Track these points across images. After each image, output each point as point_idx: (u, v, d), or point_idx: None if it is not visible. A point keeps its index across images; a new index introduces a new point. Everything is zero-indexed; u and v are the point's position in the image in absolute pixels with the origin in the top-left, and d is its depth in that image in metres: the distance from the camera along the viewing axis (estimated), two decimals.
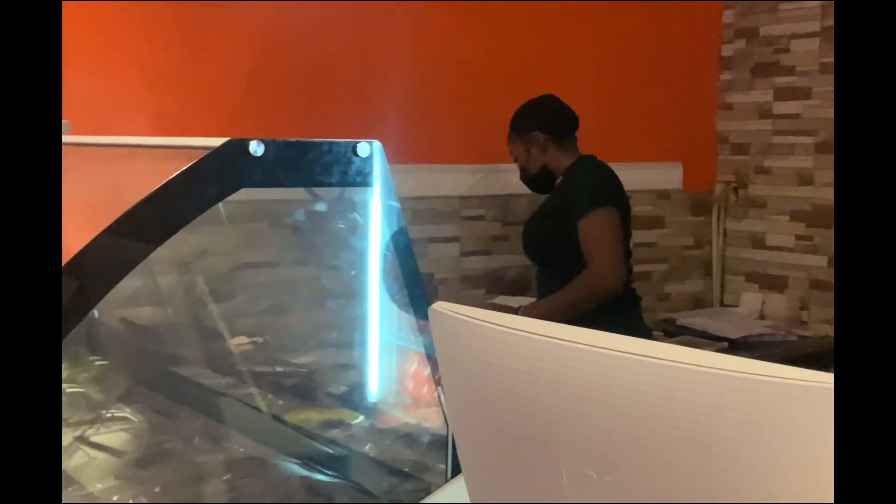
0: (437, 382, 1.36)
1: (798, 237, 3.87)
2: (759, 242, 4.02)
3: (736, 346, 3.48)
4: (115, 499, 1.54)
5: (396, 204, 1.35)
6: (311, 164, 1.27)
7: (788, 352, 3.47)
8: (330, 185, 1.30)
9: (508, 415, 0.78)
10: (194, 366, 2.00)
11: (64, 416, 1.78)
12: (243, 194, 1.22)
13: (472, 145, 3.52)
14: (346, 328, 1.63)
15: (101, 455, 1.69)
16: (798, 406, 0.61)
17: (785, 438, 0.62)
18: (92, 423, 1.78)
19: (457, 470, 1.29)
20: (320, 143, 1.27)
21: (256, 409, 1.83)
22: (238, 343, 2.19)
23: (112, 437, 1.76)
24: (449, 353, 0.84)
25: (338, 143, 1.27)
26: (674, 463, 0.66)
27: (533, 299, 3.17)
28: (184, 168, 1.20)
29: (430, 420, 1.53)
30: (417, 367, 1.52)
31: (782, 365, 0.62)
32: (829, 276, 3.73)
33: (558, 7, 3.67)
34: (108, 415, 1.83)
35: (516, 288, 3.61)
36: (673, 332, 3.65)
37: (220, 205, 1.23)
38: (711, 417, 0.63)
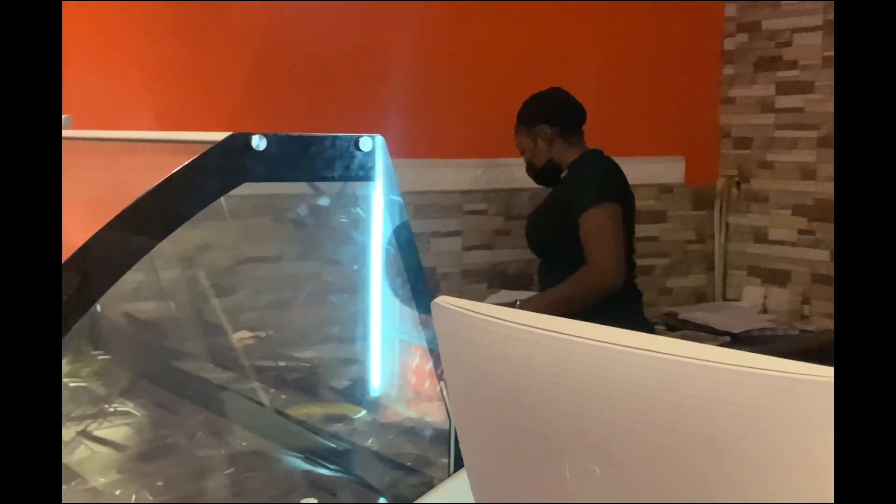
0: (440, 377, 1.36)
1: (800, 231, 3.86)
2: (761, 237, 4.02)
3: (738, 341, 3.48)
4: (117, 493, 1.54)
5: (399, 198, 1.35)
6: (314, 159, 1.27)
7: (790, 346, 3.47)
8: (332, 179, 1.30)
9: (511, 409, 0.78)
10: (197, 360, 2.00)
11: (67, 410, 1.78)
12: (245, 189, 1.23)
13: (475, 140, 3.52)
14: (349, 323, 1.63)
15: (103, 449, 1.69)
16: (799, 400, 0.61)
17: (786, 432, 0.62)
18: (94, 417, 1.79)
19: (459, 464, 1.29)
20: (323, 138, 1.27)
21: (259, 403, 1.83)
22: (240, 337, 2.19)
23: (115, 431, 1.76)
24: (451, 348, 0.84)
25: (340, 138, 1.27)
26: (676, 457, 0.67)
27: (534, 293, 3.17)
28: (186, 163, 1.20)
29: (433, 414, 1.53)
30: (420, 361, 1.52)
31: (783, 359, 0.62)
32: (831, 270, 3.72)
33: (560, 2, 3.66)
34: (111, 409, 1.83)
35: (518, 282, 3.61)
36: (675, 327, 3.65)
37: (222, 199, 1.23)
38: (713, 411, 0.64)
